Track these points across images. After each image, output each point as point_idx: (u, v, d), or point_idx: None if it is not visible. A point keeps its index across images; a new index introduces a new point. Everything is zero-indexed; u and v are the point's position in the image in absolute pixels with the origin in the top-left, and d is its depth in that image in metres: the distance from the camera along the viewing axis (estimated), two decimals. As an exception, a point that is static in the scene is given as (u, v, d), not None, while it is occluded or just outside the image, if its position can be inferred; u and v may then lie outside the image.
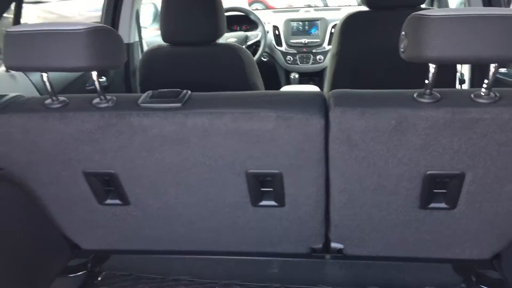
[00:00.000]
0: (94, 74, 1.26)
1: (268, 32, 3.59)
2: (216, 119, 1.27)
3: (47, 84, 1.28)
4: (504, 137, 1.20)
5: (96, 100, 1.32)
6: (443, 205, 1.39)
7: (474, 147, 1.23)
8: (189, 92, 1.35)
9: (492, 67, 1.12)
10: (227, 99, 1.34)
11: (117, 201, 1.51)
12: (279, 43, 3.64)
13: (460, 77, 2.70)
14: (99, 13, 2.71)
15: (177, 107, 1.28)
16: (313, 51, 3.57)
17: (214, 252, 1.67)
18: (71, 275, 1.66)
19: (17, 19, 1.96)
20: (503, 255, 1.53)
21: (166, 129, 1.30)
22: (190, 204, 1.50)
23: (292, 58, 3.61)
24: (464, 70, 2.71)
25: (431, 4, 3.16)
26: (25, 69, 1.29)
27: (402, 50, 1.18)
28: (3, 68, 1.90)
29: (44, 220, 1.59)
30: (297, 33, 3.62)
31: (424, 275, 1.57)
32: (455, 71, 2.39)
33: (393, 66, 1.89)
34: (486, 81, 1.16)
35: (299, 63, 3.61)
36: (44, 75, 1.26)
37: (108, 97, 1.32)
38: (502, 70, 2.20)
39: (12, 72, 1.86)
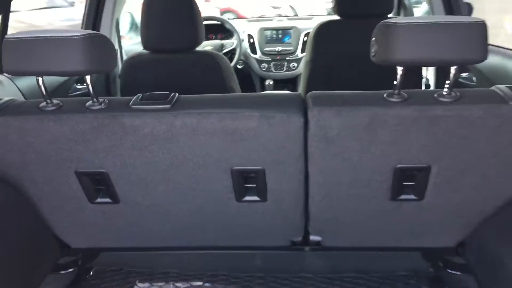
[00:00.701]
0: (88, 78, 1.34)
1: (243, 40, 3.71)
2: (204, 119, 1.37)
3: (42, 87, 1.35)
4: (465, 132, 1.33)
5: (89, 103, 1.40)
6: (412, 196, 1.51)
7: (438, 142, 1.36)
8: (177, 94, 1.44)
9: (453, 69, 1.26)
10: (213, 100, 1.44)
11: (107, 200, 1.58)
12: (253, 51, 3.76)
13: (426, 83, 2.88)
14: (70, 23, 2.78)
15: (167, 108, 1.37)
16: (287, 58, 3.70)
17: (201, 247, 1.75)
18: (62, 272, 1.72)
19: (4, 29, 2.02)
20: (467, 243, 1.67)
21: (156, 129, 1.39)
22: (178, 201, 1.58)
23: (266, 65, 3.73)
24: (429, 76, 2.89)
25: (398, 13, 3.35)
26: (23, 74, 1.37)
27: (372, 54, 1.31)
28: (-11, 76, 1.95)
29: (36, 219, 1.65)
30: (271, 41, 3.75)
31: (395, 262, 1.69)
32: (421, 77, 2.55)
33: (363, 71, 2.03)
34: (448, 82, 1.30)
35: (273, 70, 3.73)
36: (40, 79, 1.34)
37: (101, 100, 1.40)
38: (464, 75, 2.37)
39: (-1, 78, 1.93)
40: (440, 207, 1.55)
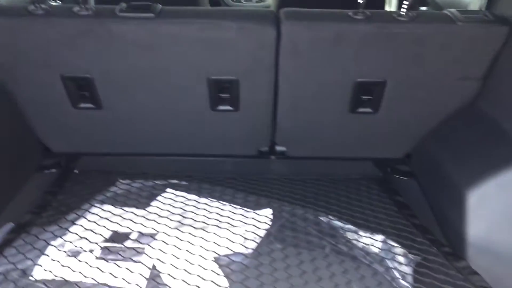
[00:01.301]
0: None
1: None
2: (186, 28, 1.49)
3: None
4: (417, 49, 1.51)
5: (77, 8, 1.48)
6: (368, 109, 1.70)
7: (394, 58, 1.54)
8: (160, 5, 1.54)
9: None
10: (195, 11, 1.55)
11: (91, 105, 1.69)
12: None
13: None
14: None
15: (151, 17, 1.48)
16: None
17: (176, 154, 1.91)
18: (46, 171, 1.85)
19: None
20: (413, 154, 1.90)
21: (141, 36, 1.50)
22: (157, 108, 1.71)
23: None
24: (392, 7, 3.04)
25: None
26: None
27: None
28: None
29: (21, 122, 1.74)
30: None
31: (351, 169, 1.91)
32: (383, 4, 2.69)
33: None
34: (406, 3, 1.46)
35: (243, 1, 3.78)
36: None
37: (88, 6, 1.49)
38: (423, 9, 2.53)
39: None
40: (391, 120, 1.75)
